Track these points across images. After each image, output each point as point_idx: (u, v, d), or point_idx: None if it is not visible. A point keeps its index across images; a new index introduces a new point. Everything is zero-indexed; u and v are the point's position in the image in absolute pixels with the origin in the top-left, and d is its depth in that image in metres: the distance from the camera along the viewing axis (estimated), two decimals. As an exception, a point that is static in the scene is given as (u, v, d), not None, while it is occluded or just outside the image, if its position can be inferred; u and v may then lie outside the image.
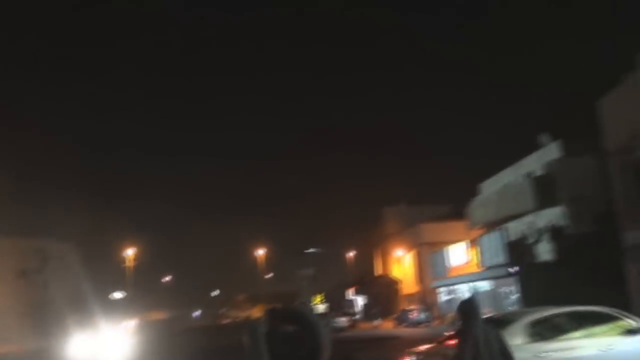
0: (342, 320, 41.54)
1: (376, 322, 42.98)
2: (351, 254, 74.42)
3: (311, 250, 43.62)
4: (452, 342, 7.57)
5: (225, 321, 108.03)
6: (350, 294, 67.60)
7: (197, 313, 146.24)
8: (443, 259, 43.15)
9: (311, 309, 6.11)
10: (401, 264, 58.84)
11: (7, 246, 51.24)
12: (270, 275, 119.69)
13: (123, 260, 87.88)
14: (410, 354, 8.86)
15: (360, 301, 66.89)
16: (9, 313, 48.71)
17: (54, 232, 54.02)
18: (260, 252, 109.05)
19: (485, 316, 8.93)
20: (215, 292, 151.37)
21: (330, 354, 4.03)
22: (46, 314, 52.18)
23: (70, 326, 41.39)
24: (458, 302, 6.04)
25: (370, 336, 32.71)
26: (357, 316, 56.35)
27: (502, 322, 8.68)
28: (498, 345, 5.80)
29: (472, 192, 43.76)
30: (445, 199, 57.38)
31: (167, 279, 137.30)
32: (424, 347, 9.10)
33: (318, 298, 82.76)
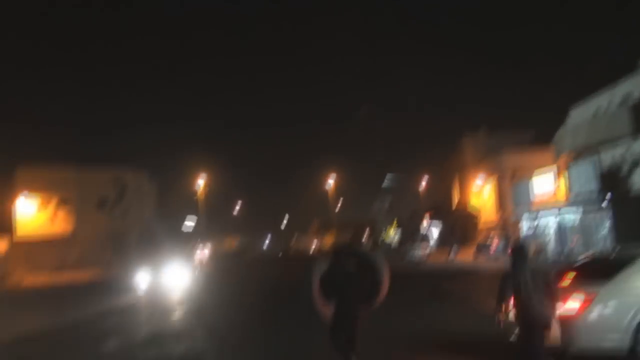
0: (419, 252, 41.64)
1: (453, 254, 42.93)
2: (426, 184, 74.06)
3: (387, 180, 43.41)
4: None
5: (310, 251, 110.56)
6: (424, 224, 67.67)
7: (267, 240, 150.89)
8: (527, 189, 42.20)
9: (373, 252, 7.33)
10: (480, 194, 58.08)
11: (87, 176, 54.09)
12: (341, 202, 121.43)
13: (195, 191, 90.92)
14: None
15: (434, 231, 66.91)
16: (91, 242, 51.76)
17: (130, 162, 56.55)
18: (331, 180, 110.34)
19: (591, 252, 9.05)
20: (285, 220, 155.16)
21: (387, 290, 5.10)
22: (124, 244, 55.11)
23: (145, 256, 43.81)
24: (513, 244, 6.78)
25: (450, 269, 32.72)
26: (432, 247, 56.54)
27: (621, 260, 8.37)
28: (544, 283, 6.59)
29: (559, 118, 42.10)
30: (529, 126, 55.65)
31: (238, 206, 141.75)
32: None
33: (392, 228, 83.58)
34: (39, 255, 48.54)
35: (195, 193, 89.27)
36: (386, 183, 39.61)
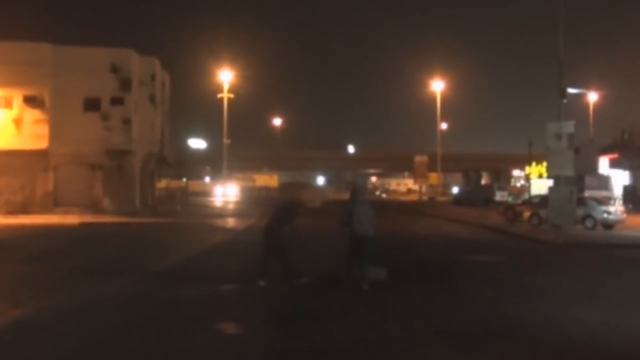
0: (613, 210, 41.25)
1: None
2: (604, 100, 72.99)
3: (574, 90, 42.87)
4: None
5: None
6: (604, 165, 67.29)
7: (322, 181, 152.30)
8: None
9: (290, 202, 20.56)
10: None
11: (70, 60, 54.60)
12: (446, 125, 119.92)
13: (220, 88, 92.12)
14: None
15: (620, 178, 66.26)
16: (74, 167, 52.29)
17: (137, 45, 56.39)
18: (438, 88, 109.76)
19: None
20: (351, 150, 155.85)
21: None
22: (126, 173, 55.82)
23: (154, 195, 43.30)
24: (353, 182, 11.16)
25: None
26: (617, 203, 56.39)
27: None
28: (370, 213, 17.72)
29: None
30: None
31: (277, 121, 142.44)
32: None
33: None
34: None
35: (220, 94, 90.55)
36: (563, 97, 38.73)
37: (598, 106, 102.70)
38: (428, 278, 20.02)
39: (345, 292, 16.98)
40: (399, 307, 15.39)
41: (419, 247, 30.77)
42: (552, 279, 20.13)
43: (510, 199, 74.40)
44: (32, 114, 51.61)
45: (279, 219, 18.45)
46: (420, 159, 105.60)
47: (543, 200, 42.74)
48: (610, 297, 17.03)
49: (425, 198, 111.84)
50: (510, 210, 47.69)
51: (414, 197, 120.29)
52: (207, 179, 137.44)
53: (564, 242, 31.53)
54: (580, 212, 39.00)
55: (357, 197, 18.48)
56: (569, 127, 37.35)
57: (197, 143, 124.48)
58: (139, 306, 15.13)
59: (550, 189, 39.70)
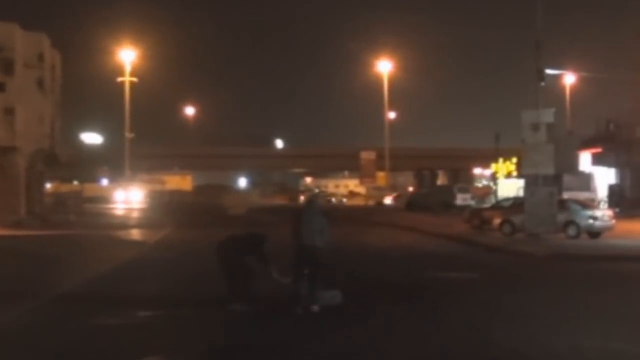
0: (600, 216, 41.59)
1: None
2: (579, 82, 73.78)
3: (553, 72, 43.17)
4: None
5: None
6: (585, 161, 67.91)
7: (244, 182, 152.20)
8: None
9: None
10: None
11: None
12: (394, 114, 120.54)
13: (120, 70, 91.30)
14: None
15: (604, 177, 66.93)
16: None
17: (20, 19, 55.82)
18: (384, 70, 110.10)
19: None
20: (279, 144, 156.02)
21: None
22: (11, 173, 55.18)
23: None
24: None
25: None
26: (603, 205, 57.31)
27: None
28: (321, 221, 18.05)
29: None
30: None
31: (190, 111, 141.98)
32: None
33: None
34: None
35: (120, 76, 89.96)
36: (542, 80, 38.94)
37: (575, 91, 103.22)
38: (392, 301, 19.81)
39: (294, 318, 16.92)
40: (362, 337, 15.23)
41: (377, 263, 30.72)
42: (538, 299, 20.08)
43: (473, 203, 74.84)
44: None
45: (241, 242, 18.58)
46: (367, 155, 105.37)
47: (516, 204, 42.92)
48: (607, 320, 17.05)
49: (371, 203, 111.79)
50: (477, 217, 47.41)
51: (358, 202, 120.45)
52: (105, 182, 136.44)
53: (545, 255, 31.68)
54: (561, 217, 38.59)
55: (311, 204, 19.31)
56: (548, 115, 37.35)
57: (91, 138, 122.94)
58: (46, 337, 14.93)
59: (527, 190, 39.27)
